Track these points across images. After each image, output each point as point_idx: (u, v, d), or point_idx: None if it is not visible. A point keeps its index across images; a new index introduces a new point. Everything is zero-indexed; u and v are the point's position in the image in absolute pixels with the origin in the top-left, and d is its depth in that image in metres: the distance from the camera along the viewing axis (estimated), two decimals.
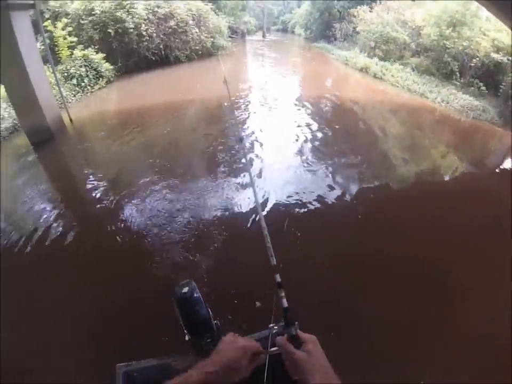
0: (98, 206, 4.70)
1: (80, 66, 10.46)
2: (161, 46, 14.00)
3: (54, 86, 8.09)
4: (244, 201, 4.69)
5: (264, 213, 4.39)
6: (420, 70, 12.55)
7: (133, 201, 4.74)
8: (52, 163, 6.31)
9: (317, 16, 23.15)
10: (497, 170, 6.24)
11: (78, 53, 10.78)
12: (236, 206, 4.63)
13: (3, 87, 7.11)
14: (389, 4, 15.49)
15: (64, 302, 3.00)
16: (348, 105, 9.59)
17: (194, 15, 15.69)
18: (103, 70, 11.37)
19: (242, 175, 5.40)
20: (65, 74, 10.01)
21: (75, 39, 11.17)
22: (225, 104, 8.94)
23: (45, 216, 4.44)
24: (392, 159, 6.26)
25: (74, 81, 10.04)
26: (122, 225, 4.25)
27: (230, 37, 20.90)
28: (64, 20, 11.04)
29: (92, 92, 10.53)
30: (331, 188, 5.14)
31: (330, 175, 5.51)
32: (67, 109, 7.96)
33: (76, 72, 10.18)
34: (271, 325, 0.92)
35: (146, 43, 13.27)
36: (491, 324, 2.86)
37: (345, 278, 3.30)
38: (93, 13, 11.96)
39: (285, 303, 0.84)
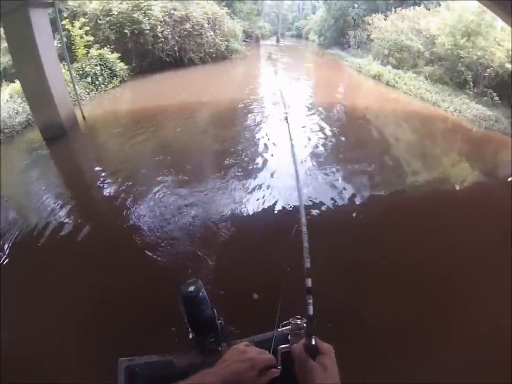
0: (108, 201, 4.78)
1: (96, 65, 10.66)
2: (176, 48, 14.14)
3: (68, 84, 8.23)
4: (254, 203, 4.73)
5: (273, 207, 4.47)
6: (433, 78, 12.46)
7: (143, 197, 4.77)
8: (64, 158, 6.42)
9: (331, 23, 23.17)
10: (509, 179, 6.14)
11: (93, 52, 11.00)
12: (246, 207, 4.65)
13: (19, 82, 7.25)
14: (404, 12, 15.46)
15: (70, 294, 3.03)
16: (360, 112, 9.55)
17: (210, 18, 15.84)
18: (117, 70, 11.57)
19: (253, 177, 5.45)
20: (81, 72, 10.22)
21: (91, 38, 11.42)
22: (240, 105, 9.03)
23: (54, 210, 4.50)
24: (402, 167, 6.21)
25: (89, 79, 10.23)
26: (131, 220, 4.28)
27: (244, 41, 21.04)
28: (82, 19, 11.31)
29: (105, 90, 10.71)
30: (340, 193, 5.11)
31: (340, 181, 5.49)
32: (80, 106, 8.09)
33: (91, 71, 10.39)
34: (280, 329, 0.94)
35: (161, 44, 13.42)
36: (491, 324, 2.84)
37: (348, 282, 3.28)
38: (110, 13, 12.20)
39: (310, 310, 0.78)
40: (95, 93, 10.16)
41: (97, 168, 5.79)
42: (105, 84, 10.82)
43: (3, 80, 9.76)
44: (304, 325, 0.82)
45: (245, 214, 4.51)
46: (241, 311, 2.87)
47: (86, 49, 11.02)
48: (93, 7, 12.29)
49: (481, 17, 11.19)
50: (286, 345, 0.84)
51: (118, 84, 11.44)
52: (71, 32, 10.74)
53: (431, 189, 5.45)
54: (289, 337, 0.85)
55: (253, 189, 5.13)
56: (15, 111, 7.47)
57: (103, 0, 12.41)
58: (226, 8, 18.04)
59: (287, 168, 5.81)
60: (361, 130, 8.16)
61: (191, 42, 14.88)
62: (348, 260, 3.56)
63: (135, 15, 12.38)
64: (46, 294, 3.05)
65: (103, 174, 5.54)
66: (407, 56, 14.07)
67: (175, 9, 13.98)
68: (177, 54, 14.40)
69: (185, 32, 14.33)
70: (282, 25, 33.52)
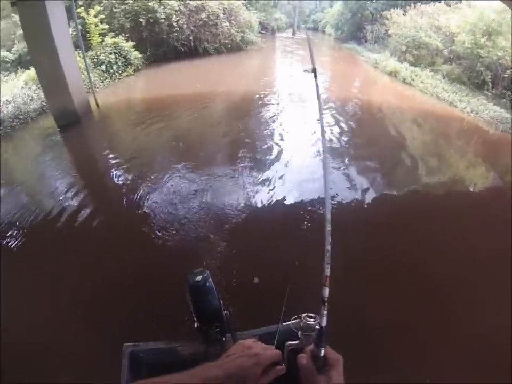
0: (121, 188, 4.85)
1: (110, 53, 10.69)
2: (191, 38, 14.10)
3: (83, 71, 8.30)
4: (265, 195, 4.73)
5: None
6: (451, 77, 12.20)
7: (155, 185, 4.82)
8: (77, 145, 6.51)
9: (348, 17, 22.82)
10: None
11: (108, 40, 11.03)
12: (256, 198, 4.64)
13: (34, 70, 7.32)
14: (423, 8, 15.10)
15: (79, 280, 3.10)
16: (374, 109, 9.42)
17: (226, 8, 15.70)
18: (132, 58, 11.59)
19: (266, 168, 5.45)
20: (95, 60, 10.26)
21: (106, 26, 11.43)
22: (255, 97, 9.06)
23: (67, 196, 4.56)
24: (415, 166, 6.11)
25: (103, 67, 10.27)
26: (143, 207, 4.33)
27: (260, 32, 20.86)
28: (97, 8, 11.33)
29: (119, 78, 10.75)
30: (349, 190, 5.07)
31: (350, 178, 5.43)
32: (94, 94, 8.15)
33: (105, 59, 10.42)
34: (286, 323, 0.93)
35: (176, 34, 13.39)
36: (491, 324, 2.81)
37: (351, 281, 3.24)
38: (125, 1, 12.19)
39: (324, 321, 0.72)
40: (109, 81, 10.21)
41: (110, 155, 5.82)
42: (120, 72, 10.86)
43: (18, 67, 9.87)
44: (316, 327, 0.76)
45: (255, 206, 4.51)
46: (245, 302, 2.89)
47: (101, 37, 11.05)
48: None
49: (503, 16, 10.84)
50: (294, 342, 0.82)
51: (132, 73, 11.47)
52: (86, 20, 10.78)
53: (443, 190, 5.37)
54: (299, 334, 0.82)
55: (265, 181, 5.13)
56: (30, 98, 7.55)
57: None
58: None
59: (300, 160, 5.85)
60: (375, 127, 8.06)
61: (206, 33, 14.80)
62: (352, 258, 3.52)
63: (150, 4, 12.35)
64: (56, 279, 3.11)
65: (116, 161, 5.60)
66: (425, 54, 13.78)
67: None
68: (192, 44, 14.34)
69: (200, 22, 14.25)
70: (298, 18, 33.03)
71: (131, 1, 12.14)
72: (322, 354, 0.70)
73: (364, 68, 15.98)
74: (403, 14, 15.85)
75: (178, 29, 13.31)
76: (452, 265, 3.54)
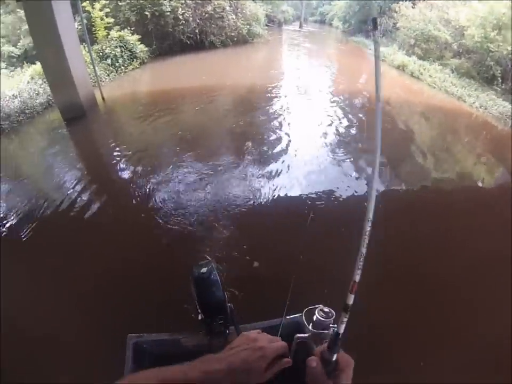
0: (126, 180, 4.88)
1: (116, 47, 10.67)
2: (196, 31, 14.00)
3: (88, 65, 8.28)
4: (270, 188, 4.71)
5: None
6: (460, 72, 11.97)
7: (160, 178, 4.84)
8: (83, 138, 6.55)
9: (356, 10, 22.53)
10: None
11: (114, 33, 11.02)
12: (261, 192, 4.63)
13: (39, 64, 7.33)
14: (432, 1, 14.77)
15: (85, 270, 3.16)
16: (382, 102, 9.32)
17: (232, 1, 15.57)
18: (137, 51, 11.56)
19: (272, 162, 5.42)
20: (101, 54, 10.26)
21: (112, 20, 11.43)
22: (261, 90, 9.07)
23: (73, 189, 4.58)
24: (421, 162, 6.05)
25: (109, 61, 10.26)
26: (148, 200, 4.35)
27: (266, 25, 20.67)
28: (102, 1, 11.31)
29: (125, 72, 10.75)
30: (353, 184, 5.02)
31: (355, 172, 5.38)
32: (100, 88, 8.14)
33: (111, 52, 10.41)
34: (289, 316, 0.95)
35: (182, 27, 13.30)
36: (491, 324, 2.79)
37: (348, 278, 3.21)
38: None
39: (342, 328, 0.66)
40: (114, 75, 10.21)
41: (116, 148, 5.84)
42: (125, 65, 10.85)
43: (24, 61, 9.90)
44: (330, 325, 0.74)
45: (259, 198, 4.50)
46: (247, 295, 2.89)
47: (106, 31, 11.06)
48: None
49: None
50: (304, 334, 0.79)
51: (137, 66, 11.45)
52: (91, 14, 10.78)
53: (450, 186, 5.30)
54: (310, 327, 0.77)
55: (271, 173, 5.12)
56: (36, 92, 7.58)
57: None
58: None
59: (307, 152, 5.84)
60: (383, 121, 7.88)
61: (212, 25, 14.69)
62: (352, 255, 3.50)
63: None
64: (61, 270, 3.15)
65: (122, 153, 5.62)
66: (434, 47, 13.55)
67: None
68: (198, 37, 14.25)
69: (206, 15, 14.14)
70: (305, 10, 32.71)
71: None
72: (334, 359, 0.66)
73: (371, 61, 15.62)
74: (412, 7, 15.55)
75: (184, 21, 13.21)
76: (454, 265, 3.49)
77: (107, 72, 9.93)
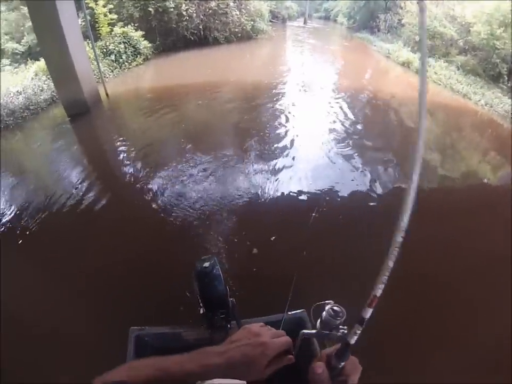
0: (129, 175, 4.90)
1: (119, 43, 10.67)
2: (200, 27, 13.93)
3: (92, 61, 8.29)
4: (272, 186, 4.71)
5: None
6: (466, 69, 11.85)
7: (162, 173, 4.88)
8: (87, 134, 6.59)
9: (361, 5, 22.33)
10: None
11: (117, 30, 11.00)
12: (263, 189, 4.62)
13: (43, 60, 7.35)
14: None
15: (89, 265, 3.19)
16: (386, 99, 9.25)
17: None
18: (141, 48, 11.54)
19: (274, 159, 5.41)
20: (104, 50, 10.26)
21: (115, 16, 11.41)
22: (265, 86, 9.10)
23: (76, 184, 4.63)
24: (425, 160, 6.01)
25: (113, 57, 10.27)
26: (151, 195, 4.40)
27: (270, 21, 20.55)
28: None
29: (129, 68, 10.76)
30: (355, 183, 5.00)
31: (358, 170, 5.36)
32: (104, 84, 8.16)
33: (114, 49, 10.41)
34: (291, 312, 0.94)
35: (185, 23, 13.26)
36: (491, 323, 2.79)
37: (351, 278, 3.19)
38: None
39: (354, 339, 0.63)
40: (118, 71, 10.23)
41: (119, 143, 5.89)
42: (129, 61, 10.85)
43: (28, 58, 9.94)
44: (340, 327, 0.71)
45: (262, 194, 4.51)
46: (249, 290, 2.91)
47: (110, 27, 11.04)
48: None
49: None
50: (310, 331, 0.77)
51: (141, 62, 11.45)
52: (94, 11, 10.75)
53: (453, 186, 5.27)
54: (318, 325, 0.74)
55: (275, 168, 5.13)
56: (40, 89, 7.62)
57: None
58: None
59: (311, 149, 5.85)
60: (387, 117, 7.94)
61: (216, 21, 14.63)
62: (353, 254, 3.49)
63: None
64: (64, 264, 3.19)
65: (126, 149, 5.67)
66: (439, 44, 13.41)
67: None
68: (202, 33, 14.19)
69: (210, 11, 14.07)
70: (310, 6, 32.43)
71: None
72: (340, 366, 0.63)
73: (376, 57, 15.68)
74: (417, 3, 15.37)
75: (187, 17, 13.16)
76: (455, 265, 3.47)
77: (111, 68, 9.95)
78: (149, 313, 2.60)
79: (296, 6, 30.98)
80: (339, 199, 4.58)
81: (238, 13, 15.52)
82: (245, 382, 0.97)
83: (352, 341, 0.63)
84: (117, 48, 10.46)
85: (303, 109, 7.93)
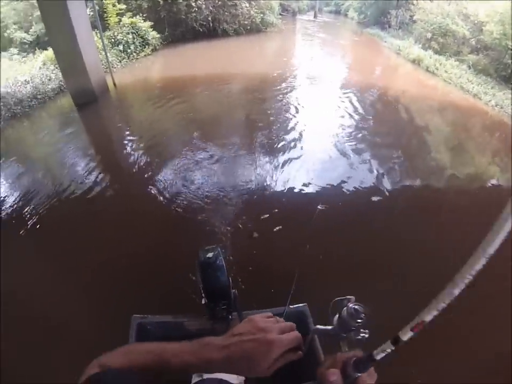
0: (134, 166, 4.90)
1: (128, 33, 10.66)
2: (209, 18, 13.86)
3: (100, 51, 8.28)
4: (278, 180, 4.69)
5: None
6: (477, 68, 11.62)
7: (169, 164, 4.88)
8: (94, 123, 6.63)
9: (373, 1, 22.05)
10: None
11: (126, 20, 11.00)
12: (269, 183, 4.61)
13: (51, 50, 7.36)
14: None
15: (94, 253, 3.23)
16: (394, 96, 9.14)
17: None
18: (149, 38, 11.53)
19: (281, 153, 5.37)
20: (112, 40, 10.26)
21: (124, 6, 11.41)
22: (274, 79, 9.06)
23: (82, 173, 4.66)
24: (432, 159, 5.92)
25: (121, 47, 10.27)
26: (157, 183, 4.40)
27: (280, 14, 20.39)
28: None
29: (137, 58, 10.76)
30: (361, 179, 4.93)
31: (364, 166, 5.29)
32: (112, 74, 8.17)
33: (122, 39, 10.41)
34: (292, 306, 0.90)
35: (194, 14, 13.19)
36: (491, 323, 2.78)
37: (351, 277, 3.17)
38: None
39: (380, 356, 0.56)
40: (126, 61, 10.23)
41: (126, 133, 5.94)
42: (137, 52, 10.84)
43: (36, 47, 9.96)
44: (362, 330, 0.64)
45: (268, 186, 4.51)
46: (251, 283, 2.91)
47: (118, 17, 11.03)
48: None
49: None
50: (326, 327, 0.71)
51: (149, 53, 11.44)
52: (103, 0, 10.75)
53: (458, 186, 5.17)
54: (334, 321, 0.67)
55: (282, 162, 5.11)
56: (48, 78, 7.66)
57: None
58: None
59: (317, 147, 5.77)
60: (395, 115, 7.83)
61: (225, 13, 14.54)
62: (353, 254, 3.47)
63: None
64: (69, 253, 3.22)
65: (132, 138, 5.71)
66: (451, 42, 13.19)
67: None
68: (211, 25, 14.13)
69: (219, 2, 14.00)
70: (320, 0, 32.18)
71: None
72: (355, 376, 0.58)
73: (386, 54, 15.49)
74: (430, 0, 15.17)
75: (196, 9, 13.08)
76: (456, 266, 3.42)
77: (119, 58, 9.95)
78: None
79: None
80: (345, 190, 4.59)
81: (247, 5, 15.40)
82: (243, 378, 0.96)
83: (378, 357, 0.56)
84: (125, 39, 10.45)
85: (311, 102, 7.89)
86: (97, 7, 8.44)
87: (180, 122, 6.56)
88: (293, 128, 6.26)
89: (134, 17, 11.31)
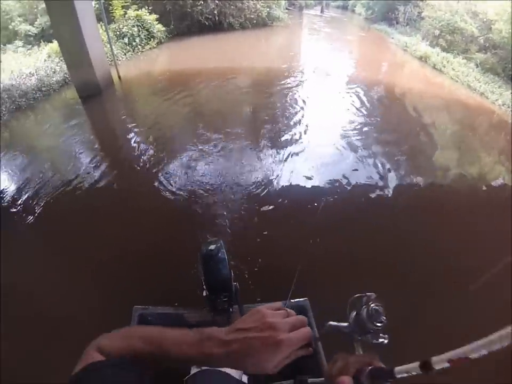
0: (139, 158, 4.92)
1: (133, 26, 10.64)
2: (215, 12, 13.76)
3: (105, 44, 8.28)
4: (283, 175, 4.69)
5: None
6: (485, 67, 11.45)
7: (173, 157, 4.90)
8: (98, 116, 6.68)
9: None
10: None
11: (131, 13, 10.96)
12: (274, 177, 4.61)
13: (56, 42, 7.36)
14: None
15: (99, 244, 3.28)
16: (400, 93, 9.07)
17: None
18: (155, 31, 11.50)
19: (285, 148, 5.36)
20: (118, 33, 10.26)
21: None
22: (280, 74, 9.02)
23: (86, 165, 4.69)
24: (436, 158, 5.87)
25: (126, 40, 10.26)
26: (160, 177, 4.42)
27: (287, 9, 20.27)
28: None
29: (142, 51, 10.74)
30: (366, 176, 4.90)
31: (367, 163, 5.25)
32: (116, 66, 8.16)
33: (128, 32, 10.39)
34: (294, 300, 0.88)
35: (200, 7, 13.13)
36: (491, 323, 2.71)
37: (351, 277, 3.15)
38: None
39: (402, 375, 0.50)
40: (131, 54, 10.22)
41: (130, 126, 5.94)
42: (142, 45, 10.82)
43: (41, 40, 9.97)
44: (381, 335, 0.59)
45: (272, 181, 4.50)
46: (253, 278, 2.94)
47: (124, 10, 10.99)
48: None
49: None
50: (340, 324, 0.66)
51: (155, 46, 11.42)
52: None
53: (465, 186, 5.11)
54: (351, 318, 0.62)
55: (286, 157, 5.11)
56: (53, 70, 7.69)
57: None
58: None
59: (320, 144, 5.73)
60: (400, 112, 7.78)
61: (231, 7, 14.44)
62: (354, 252, 3.44)
63: None
64: (72, 244, 3.26)
65: (136, 131, 5.71)
66: (459, 40, 13.00)
67: None
68: (217, 18, 14.03)
69: None
70: None
71: None
72: None
73: (393, 50, 15.33)
74: None
75: (202, 2, 13.02)
76: (458, 266, 3.40)
77: (124, 51, 9.94)
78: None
79: None
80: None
81: None
82: (241, 372, 0.95)
83: (399, 376, 0.51)
84: (130, 31, 10.44)
85: (317, 96, 7.90)
86: (102, 0, 8.40)
87: (185, 115, 6.56)
88: (299, 122, 6.27)
89: (140, 10, 11.25)
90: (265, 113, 6.56)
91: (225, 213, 3.79)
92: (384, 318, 0.57)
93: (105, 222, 3.61)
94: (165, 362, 0.58)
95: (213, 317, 1.14)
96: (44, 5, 8.01)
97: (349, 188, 4.53)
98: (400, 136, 6.39)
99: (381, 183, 4.75)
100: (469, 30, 12.64)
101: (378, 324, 0.57)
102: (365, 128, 6.41)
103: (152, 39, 11.31)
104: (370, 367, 0.53)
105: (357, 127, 6.42)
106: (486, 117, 8.45)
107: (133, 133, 5.63)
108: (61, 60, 7.64)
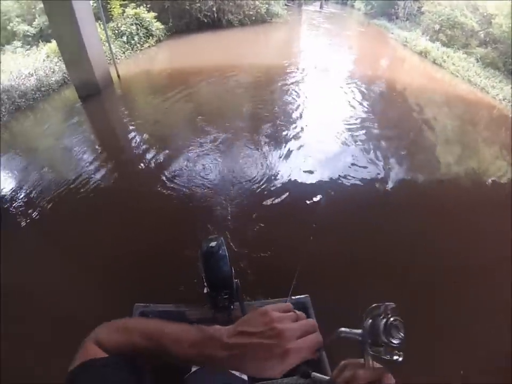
0: (139, 157, 4.92)
1: (131, 24, 10.57)
2: (214, 9, 13.67)
3: (104, 43, 8.24)
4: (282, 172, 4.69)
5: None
6: (485, 62, 11.42)
7: (172, 155, 4.91)
8: (98, 115, 6.67)
9: None
10: None
11: (129, 11, 10.87)
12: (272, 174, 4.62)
13: (55, 42, 7.34)
14: None
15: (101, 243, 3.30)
16: (400, 89, 9.04)
17: None
18: (153, 29, 11.44)
19: (284, 146, 5.36)
20: (116, 31, 10.19)
21: None
22: (279, 70, 9.04)
23: (85, 165, 4.69)
24: (436, 153, 5.85)
25: (124, 38, 10.19)
26: (162, 175, 4.43)
27: (286, 5, 20.07)
28: None
29: (141, 49, 10.68)
30: (366, 172, 4.91)
31: (367, 158, 5.26)
32: (115, 65, 8.14)
33: (126, 30, 10.32)
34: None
35: (199, 4, 13.05)
36: (491, 322, 2.75)
37: (352, 276, 3.15)
38: None
39: None
40: (130, 52, 10.16)
41: (130, 125, 5.94)
42: (141, 43, 10.77)
43: (40, 40, 9.94)
44: (396, 352, 0.51)
45: (271, 177, 4.51)
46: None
47: (122, 8, 10.90)
48: None
49: None
50: (353, 331, 0.58)
51: (153, 44, 11.36)
52: None
53: (465, 182, 5.09)
54: (364, 324, 0.54)
55: (285, 153, 5.14)
56: (52, 70, 7.67)
57: None
58: None
59: (320, 139, 5.74)
60: (400, 107, 7.76)
61: (230, 4, 14.32)
62: (353, 252, 3.43)
63: None
64: (74, 245, 3.28)
65: (136, 130, 5.71)
66: (459, 34, 12.93)
67: None
68: (215, 15, 13.92)
69: None
70: None
71: None
72: None
73: (393, 45, 15.26)
74: None
75: None
76: (458, 266, 3.37)
77: (122, 49, 9.90)
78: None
79: None
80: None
81: None
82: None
83: None
84: (128, 30, 10.37)
85: (317, 92, 7.94)
86: None
87: (185, 113, 6.58)
88: (299, 117, 6.31)
89: (138, 8, 11.18)
90: (265, 110, 6.56)
91: (228, 210, 3.82)
92: (403, 335, 0.50)
93: (106, 222, 3.62)
94: (164, 357, 0.56)
95: (213, 314, 1.14)
96: (41, 5, 7.97)
97: (348, 184, 4.55)
98: (400, 131, 6.38)
99: (380, 178, 4.80)
100: (469, 25, 12.59)
101: (395, 342, 0.49)
102: (365, 123, 6.41)
103: (150, 37, 11.26)
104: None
105: (357, 122, 6.43)
106: (487, 112, 8.42)
107: (133, 132, 5.64)
108: (60, 60, 7.60)
